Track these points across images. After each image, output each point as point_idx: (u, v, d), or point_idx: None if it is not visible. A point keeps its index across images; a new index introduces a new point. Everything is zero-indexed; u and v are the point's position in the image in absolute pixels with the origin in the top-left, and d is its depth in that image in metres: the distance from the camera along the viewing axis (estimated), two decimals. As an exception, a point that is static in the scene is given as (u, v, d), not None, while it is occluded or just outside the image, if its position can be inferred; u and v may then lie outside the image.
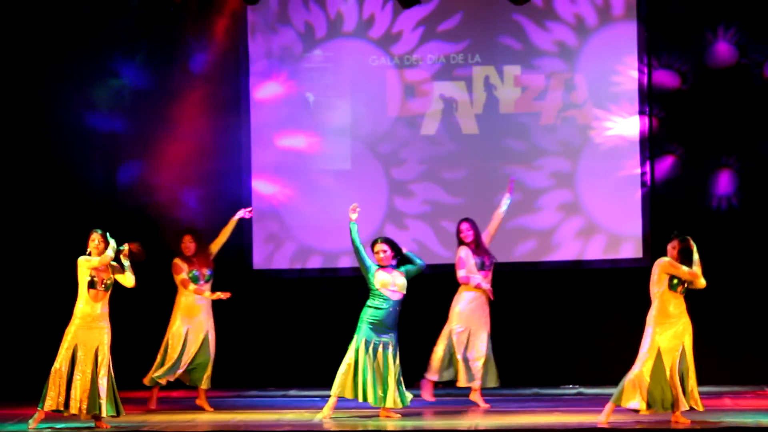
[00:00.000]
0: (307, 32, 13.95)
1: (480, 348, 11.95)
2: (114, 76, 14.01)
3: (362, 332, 10.88)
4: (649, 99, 13.54)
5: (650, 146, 13.56)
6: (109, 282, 10.44)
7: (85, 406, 10.25)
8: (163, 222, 13.82)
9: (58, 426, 10.51)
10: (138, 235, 13.19)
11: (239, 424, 10.81)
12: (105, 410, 10.28)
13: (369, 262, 10.97)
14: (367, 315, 10.90)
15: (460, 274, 11.99)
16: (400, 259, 11.03)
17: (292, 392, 13.24)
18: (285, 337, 13.86)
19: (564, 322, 13.62)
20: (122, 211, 13.73)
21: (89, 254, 10.43)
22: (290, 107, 13.99)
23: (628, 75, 13.57)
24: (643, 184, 13.50)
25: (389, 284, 10.88)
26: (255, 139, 13.98)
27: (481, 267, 11.98)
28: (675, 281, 10.23)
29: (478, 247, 12.00)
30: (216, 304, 13.97)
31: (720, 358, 12.99)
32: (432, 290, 13.82)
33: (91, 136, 13.95)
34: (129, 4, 13.89)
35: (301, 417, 11.16)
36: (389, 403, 10.78)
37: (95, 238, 10.43)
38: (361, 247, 10.94)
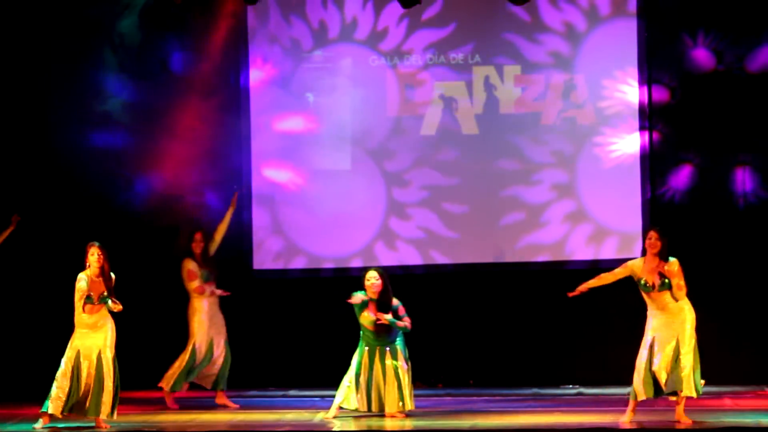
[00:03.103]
0: (307, 36, 13.94)
1: (223, 353, 12.24)
2: (113, 70, 14.00)
3: (363, 343, 10.95)
4: (649, 97, 13.54)
5: (650, 143, 13.55)
6: (104, 295, 10.46)
7: (89, 408, 10.30)
8: (157, 221, 13.84)
9: (59, 426, 10.52)
10: (134, 234, 13.29)
11: (239, 424, 10.81)
12: (108, 412, 10.31)
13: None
14: (364, 333, 10.99)
15: (194, 285, 12.19)
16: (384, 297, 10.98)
17: (292, 392, 13.24)
18: (285, 337, 13.85)
19: (564, 322, 13.61)
20: (120, 210, 13.74)
21: (88, 266, 10.47)
22: (290, 107, 13.98)
23: (629, 73, 13.56)
24: (643, 181, 13.51)
25: (370, 322, 10.91)
26: (255, 138, 13.97)
27: (206, 279, 12.20)
28: (642, 281, 10.22)
29: (205, 259, 12.26)
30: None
31: (720, 358, 12.97)
32: (431, 290, 13.86)
33: (89, 130, 13.94)
34: (132, 3, 13.89)
35: (301, 417, 11.17)
36: (392, 408, 10.79)
37: (94, 252, 10.48)
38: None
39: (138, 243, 13.63)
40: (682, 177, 13.56)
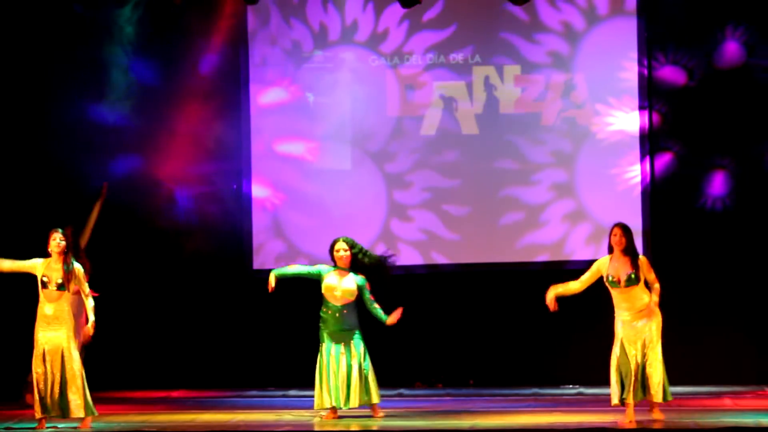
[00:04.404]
0: (307, 37, 13.94)
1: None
2: (114, 71, 14.00)
3: (323, 341, 10.92)
4: (649, 97, 13.54)
5: (650, 143, 13.55)
6: (60, 281, 10.24)
7: (57, 407, 10.20)
8: (158, 221, 13.85)
9: (60, 426, 10.52)
10: (131, 233, 13.27)
11: (239, 424, 10.81)
12: (78, 411, 10.18)
13: (314, 268, 10.98)
14: (321, 323, 10.95)
15: None
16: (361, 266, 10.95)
17: (292, 392, 13.24)
18: (285, 337, 13.85)
19: (564, 322, 13.59)
20: (118, 208, 13.74)
21: (49, 254, 10.28)
22: (290, 107, 13.98)
23: (629, 73, 13.56)
24: (643, 181, 13.51)
25: (333, 288, 10.88)
26: (255, 138, 13.98)
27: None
28: (610, 278, 10.21)
29: (75, 255, 12.08)
30: (215, 304, 14.05)
31: (720, 358, 12.98)
32: (431, 290, 13.86)
33: (90, 131, 13.94)
34: (131, 3, 13.90)
35: (301, 417, 11.17)
36: (353, 404, 10.78)
37: (56, 237, 10.26)
38: (296, 270, 11.02)
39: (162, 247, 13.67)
40: (717, 184, 13.52)
